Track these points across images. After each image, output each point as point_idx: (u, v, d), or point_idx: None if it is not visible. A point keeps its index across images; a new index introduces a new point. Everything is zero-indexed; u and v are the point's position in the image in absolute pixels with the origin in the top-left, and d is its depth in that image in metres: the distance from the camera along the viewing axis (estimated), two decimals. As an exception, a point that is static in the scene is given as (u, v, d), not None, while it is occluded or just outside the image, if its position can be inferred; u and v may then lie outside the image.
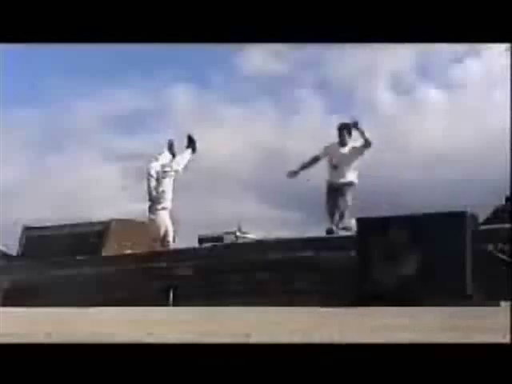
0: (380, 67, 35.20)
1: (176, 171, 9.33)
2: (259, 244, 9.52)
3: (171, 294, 8.38)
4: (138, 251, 9.88)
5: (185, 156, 9.46)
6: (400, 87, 35.36)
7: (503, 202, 11.42)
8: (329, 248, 7.66)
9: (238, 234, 16.55)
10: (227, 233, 16.45)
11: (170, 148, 9.51)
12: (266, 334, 3.06)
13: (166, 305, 8.13)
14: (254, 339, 2.71)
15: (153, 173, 9.26)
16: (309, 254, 7.80)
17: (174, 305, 8.15)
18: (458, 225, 6.44)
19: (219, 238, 15.18)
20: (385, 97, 32.91)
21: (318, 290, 7.29)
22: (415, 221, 6.83)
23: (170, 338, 2.87)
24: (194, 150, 9.48)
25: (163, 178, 9.26)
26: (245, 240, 14.19)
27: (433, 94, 33.24)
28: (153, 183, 9.25)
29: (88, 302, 7.91)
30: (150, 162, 9.43)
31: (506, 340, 2.37)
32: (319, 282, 7.43)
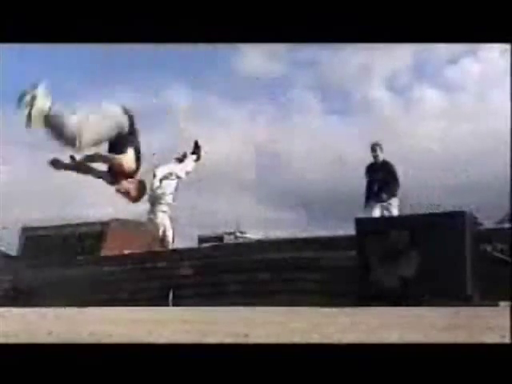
0: (377, 67, 35.24)
1: (178, 177, 9.63)
2: (259, 244, 9.51)
3: (171, 294, 8.38)
4: (137, 251, 9.89)
5: (188, 163, 9.76)
6: (397, 87, 35.38)
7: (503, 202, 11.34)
8: (329, 248, 7.66)
9: (237, 234, 16.54)
10: (227, 233, 16.42)
11: (182, 159, 9.81)
12: (265, 334, 3.06)
13: (166, 305, 8.13)
14: (254, 339, 2.71)
15: (157, 175, 9.50)
16: (309, 254, 7.81)
17: (174, 305, 8.15)
18: (457, 225, 6.44)
19: (219, 238, 15.16)
20: (382, 97, 32.94)
21: (318, 290, 7.30)
22: (415, 221, 6.83)
23: (170, 338, 2.87)
24: (198, 157, 9.70)
25: (165, 181, 9.51)
26: (245, 240, 14.17)
27: (430, 94, 33.28)
28: (155, 185, 9.47)
29: (88, 301, 7.92)
30: (157, 166, 9.69)
31: (506, 340, 2.37)
32: (319, 282, 7.43)
